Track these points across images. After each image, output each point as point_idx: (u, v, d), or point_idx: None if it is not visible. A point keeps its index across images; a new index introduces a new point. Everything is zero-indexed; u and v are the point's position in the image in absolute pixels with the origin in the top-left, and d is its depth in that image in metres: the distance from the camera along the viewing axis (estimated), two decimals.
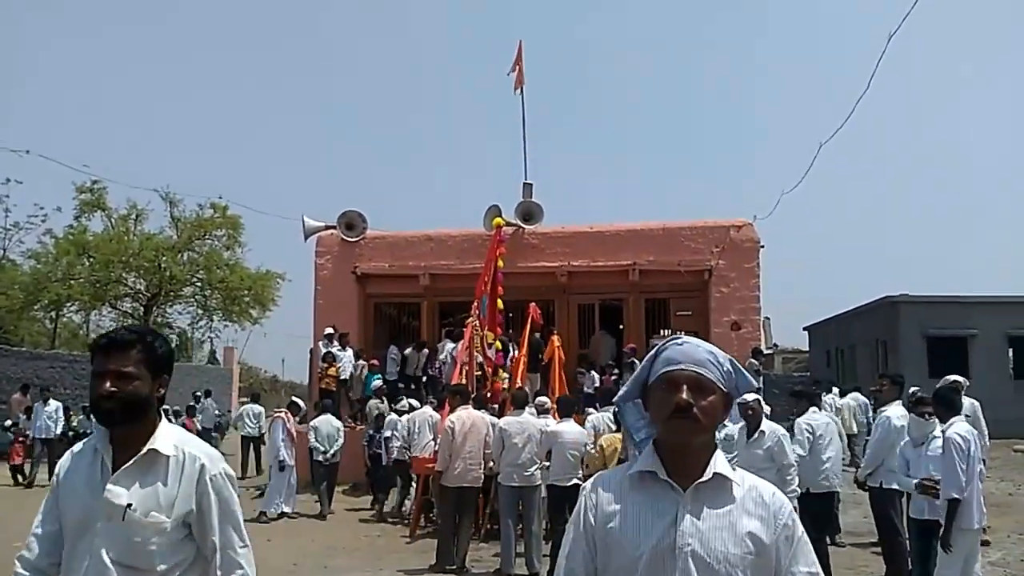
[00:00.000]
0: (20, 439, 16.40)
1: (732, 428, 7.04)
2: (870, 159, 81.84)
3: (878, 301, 26.91)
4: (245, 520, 2.49)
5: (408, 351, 16.15)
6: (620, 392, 2.10)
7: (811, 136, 66.51)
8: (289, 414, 12.45)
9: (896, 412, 7.13)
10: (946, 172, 76.52)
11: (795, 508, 5.54)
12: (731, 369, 1.96)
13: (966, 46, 74.18)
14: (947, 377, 8.69)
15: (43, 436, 15.83)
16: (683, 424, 1.85)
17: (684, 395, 1.85)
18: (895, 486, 6.78)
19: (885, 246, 75.01)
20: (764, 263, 16.43)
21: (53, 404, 16.53)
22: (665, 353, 1.96)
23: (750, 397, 6.65)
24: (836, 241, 79.54)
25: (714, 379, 1.90)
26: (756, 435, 6.77)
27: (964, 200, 72.69)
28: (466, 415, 8.59)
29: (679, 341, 1.97)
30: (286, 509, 11.89)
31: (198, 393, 24.24)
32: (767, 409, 8.69)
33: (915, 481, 5.97)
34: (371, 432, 12.91)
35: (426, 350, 15.97)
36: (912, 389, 8.47)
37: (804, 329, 37.62)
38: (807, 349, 39.14)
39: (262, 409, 21.66)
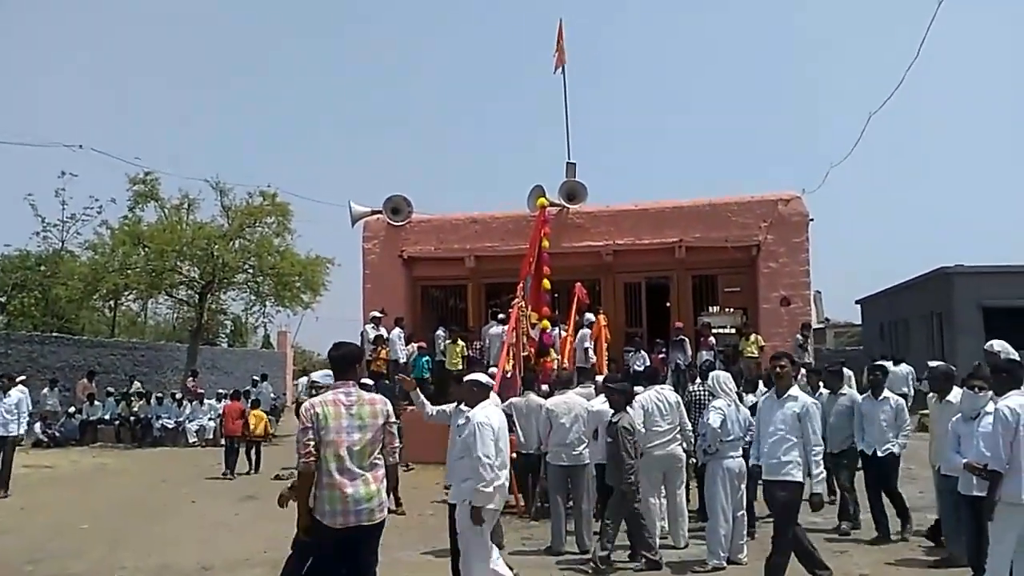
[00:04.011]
0: None
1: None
2: (921, 128, 79.73)
3: (932, 272, 26.31)
4: None
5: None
6: None
7: (860, 107, 64.94)
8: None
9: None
10: (1000, 138, 74.11)
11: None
12: None
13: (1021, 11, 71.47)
14: (992, 343, 8.49)
15: None
16: None
17: None
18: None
19: (938, 216, 73.16)
20: (814, 237, 16.20)
21: (14, 395, 12.70)
22: None
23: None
24: (888, 212, 77.81)
25: None
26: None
27: (1018, 166, 70.40)
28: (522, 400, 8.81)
29: None
30: None
31: (255, 377, 24.81)
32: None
33: (963, 461, 5.98)
34: None
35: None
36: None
37: (856, 302, 37.02)
38: (859, 323, 38.54)
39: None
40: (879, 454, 8.43)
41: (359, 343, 16.94)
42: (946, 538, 7.55)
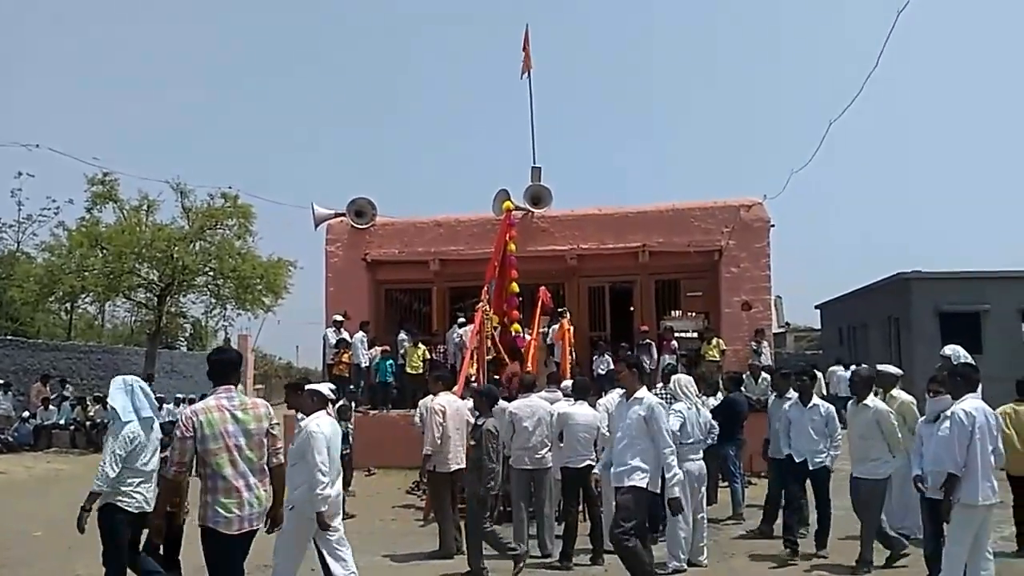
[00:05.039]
0: None
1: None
2: (881, 136, 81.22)
3: (891, 278, 26.76)
4: None
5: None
6: None
7: (821, 114, 66.00)
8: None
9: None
10: (958, 146, 75.81)
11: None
12: None
13: (979, 20, 73.28)
14: (945, 348, 8.70)
15: None
16: None
17: None
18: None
19: (897, 223, 74.55)
20: (775, 242, 16.42)
21: None
22: None
23: None
24: (848, 219, 79.14)
25: None
26: None
27: (976, 174, 72.05)
28: (448, 399, 8.75)
29: None
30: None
31: None
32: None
33: (914, 474, 6.16)
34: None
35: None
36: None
37: (816, 307, 37.55)
38: (819, 327, 39.09)
39: None
40: (810, 466, 7.97)
41: (321, 347, 16.84)
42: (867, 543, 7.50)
